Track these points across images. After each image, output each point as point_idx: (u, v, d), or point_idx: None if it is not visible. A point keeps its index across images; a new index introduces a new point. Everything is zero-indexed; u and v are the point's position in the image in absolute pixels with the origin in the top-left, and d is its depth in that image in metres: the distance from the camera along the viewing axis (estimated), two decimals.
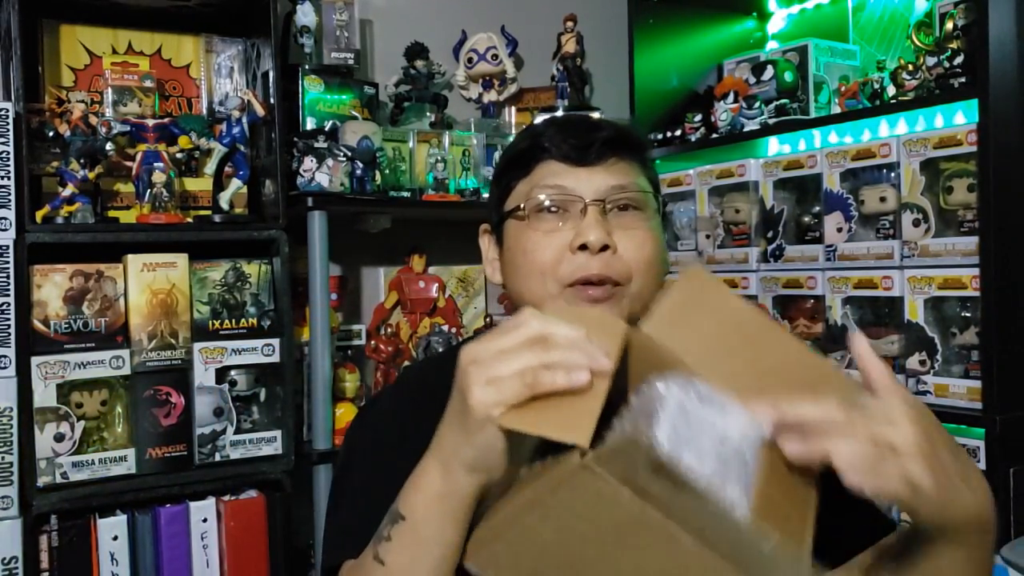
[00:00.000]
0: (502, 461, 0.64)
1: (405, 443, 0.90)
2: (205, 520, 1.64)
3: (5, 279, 1.49)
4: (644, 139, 1.01)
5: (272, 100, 1.75)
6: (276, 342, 1.72)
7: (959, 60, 1.57)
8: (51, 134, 1.59)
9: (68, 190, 1.55)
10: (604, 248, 0.90)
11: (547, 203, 0.93)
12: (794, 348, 0.69)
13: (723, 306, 0.70)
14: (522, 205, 0.94)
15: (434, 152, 1.94)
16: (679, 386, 0.61)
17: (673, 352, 0.67)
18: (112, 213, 1.65)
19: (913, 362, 1.61)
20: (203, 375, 1.65)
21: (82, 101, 1.67)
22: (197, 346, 1.65)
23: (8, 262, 1.49)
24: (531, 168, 0.95)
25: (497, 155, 2.07)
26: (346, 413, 1.82)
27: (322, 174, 1.77)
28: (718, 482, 0.56)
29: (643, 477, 0.57)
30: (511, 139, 2.07)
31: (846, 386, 0.67)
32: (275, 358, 1.72)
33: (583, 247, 0.89)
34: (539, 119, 1.01)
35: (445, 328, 2.08)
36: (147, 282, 1.61)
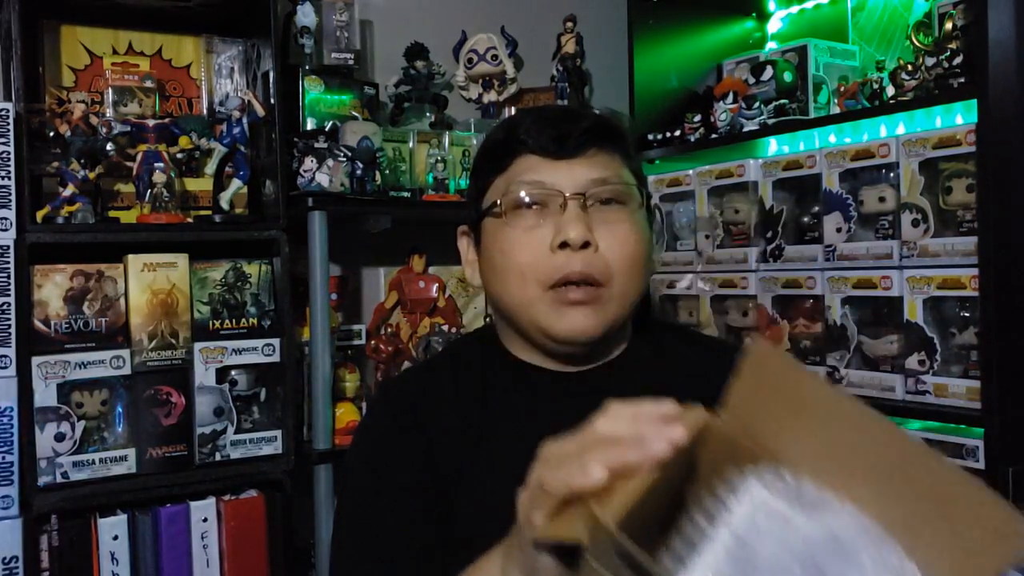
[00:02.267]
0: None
1: (398, 462, 0.91)
2: (205, 520, 1.64)
3: (5, 279, 1.49)
4: (626, 129, 0.98)
5: (272, 100, 1.75)
6: (276, 342, 1.72)
7: (958, 60, 1.57)
8: (51, 134, 1.59)
9: (68, 190, 1.55)
10: (586, 245, 0.86)
11: (525, 199, 0.89)
12: (914, 450, 0.51)
13: (812, 394, 0.53)
14: (499, 201, 0.90)
15: (434, 152, 1.94)
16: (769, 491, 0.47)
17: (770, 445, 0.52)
18: (112, 213, 1.65)
19: (912, 362, 1.61)
20: (203, 375, 1.65)
21: (82, 101, 1.67)
22: (197, 346, 1.65)
23: (8, 262, 1.49)
24: (508, 163, 0.91)
25: None
26: (346, 413, 1.82)
27: (322, 174, 1.77)
28: None
29: None
30: None
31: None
32: (275, 358, 1.72)
33: (564, 245, 0.86)
34: (516, 116, 0.98)
35: (445, 328, 2.08)
36: (147, 282, 1.61)
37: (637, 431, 0.52)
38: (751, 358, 0.55)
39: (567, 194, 0.87)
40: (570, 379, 0.94)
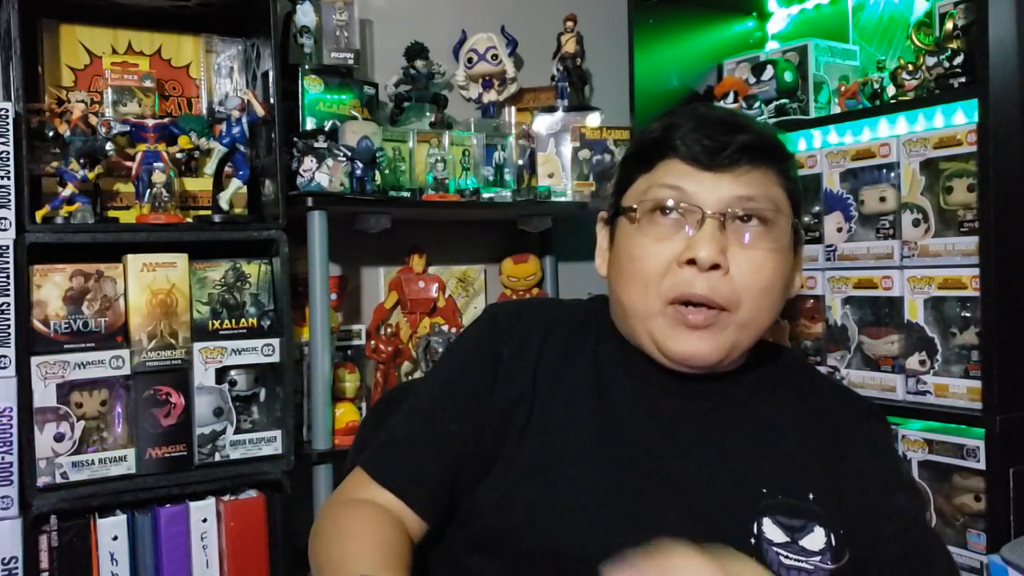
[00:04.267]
0: None
1: (477, 374, 0.93)
2: (205, 520, 1.63)
3: (5, 279, 1.49)
4: (787, 147, 0.91)
5: (272, 100, 1.75)
6: (276, 342, 1.72)
7: (959, 60, 1.57)
8: (51, 134, 1.59)
9: (68, 190, 1.55)
10: (715, 267, 0.82)
11: (663, 207, 0.85)
12: None
13: None
14: (635, 206, 0.87)
15: (434, 152, 1.94)
16: None
17: None
18: (112, 213, 1.65)
19: (913, 362, 1.61)
20: (203, 375, 1.65)
21: (82, 101, 1.66)
22: (197, 346, 1.65)
23: (8, 262, 1.49)
24: (655, 163, 0.87)
25: (497, 155, 2.07)
26: (346, 413, 1.82)
27: (322, 174, 1.77)
28: None
29: None
30: (510, 139, 2.10)
31: None
32: (275, 358, 1.72)
33: (691, 261, 0.83)
34: (676, 114, 0.90)
35: (445, 328, 2.08)
36: (147, 282, 1.61)
37: None
38: None
39: (708, 211, 0.83)
40: (678, 379, 0.91)
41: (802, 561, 0.83)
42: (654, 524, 0.79)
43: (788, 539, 0.85)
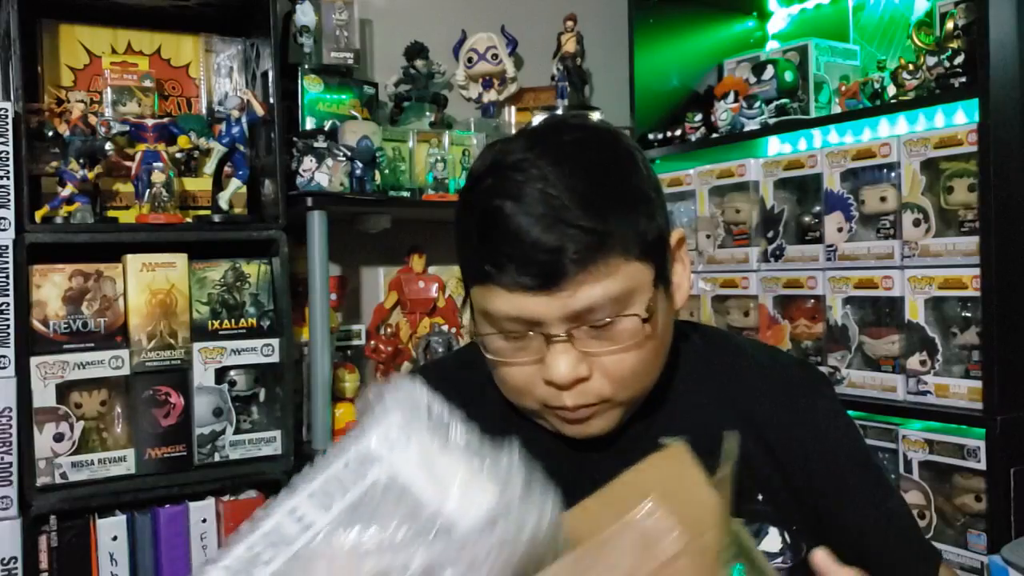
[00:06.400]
0: None
1: None
2: (204, 520, 1.63)
3: (4, 279, 1.49)
4: (628, 199, 0.78)
5: (271, 100, 1.75)
6: (276, 342, 1.71)
7: (959, 60, 1.56)
8: (50, 134, 1.59)
9: (67, 190, 1.55)
10: (577, 381, 0.77)
11: (505, 336, 0.78)
12: None
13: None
14: (480, 332, 0.80)
15: (434, 152, 1.94)
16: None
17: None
18: (111, 213, 1.65)
19: (914, 362, 1.61)
20: (202, 375, 1.65)
21: (81, 101, 1.66)
22: (196, 346, 1.64)
23: (7, 262, 1.49)
24: (486, 280, 0.77)
25: None
26: (346, 413, 1.82)
27: (322, 174, 1.76)
28: None
29: None
30: None
31: None
32: (275, 358, 1.71)
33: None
34: (486, 224, 0.77)
35: (445, 328, 2.08)
36: (146, 282, 1.61)
37: None
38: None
39: (551, 332, 0.76)
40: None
41: None
42: None
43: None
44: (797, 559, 0.84)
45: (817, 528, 0.86)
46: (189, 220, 1.68)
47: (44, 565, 1.51)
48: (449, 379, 0.91)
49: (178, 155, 1.70)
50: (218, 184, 1.72)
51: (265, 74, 1.80)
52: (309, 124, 1.88)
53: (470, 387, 0.89)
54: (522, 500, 0.56)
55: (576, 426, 0.82)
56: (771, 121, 1.95)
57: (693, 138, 2.12)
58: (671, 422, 0.86)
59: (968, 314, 1.56)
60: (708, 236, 2.03)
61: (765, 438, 0.87)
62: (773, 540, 0.84)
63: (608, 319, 0.76)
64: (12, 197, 1.49)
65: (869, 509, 0.88)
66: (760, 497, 0.85)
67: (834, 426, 0.91)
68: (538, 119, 2.14)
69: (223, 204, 1.71)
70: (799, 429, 0.88)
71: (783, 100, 1.95)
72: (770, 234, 1.90)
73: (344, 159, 1.79)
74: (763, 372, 0.92)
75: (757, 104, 1.96)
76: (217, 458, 1.66)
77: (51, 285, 1.54)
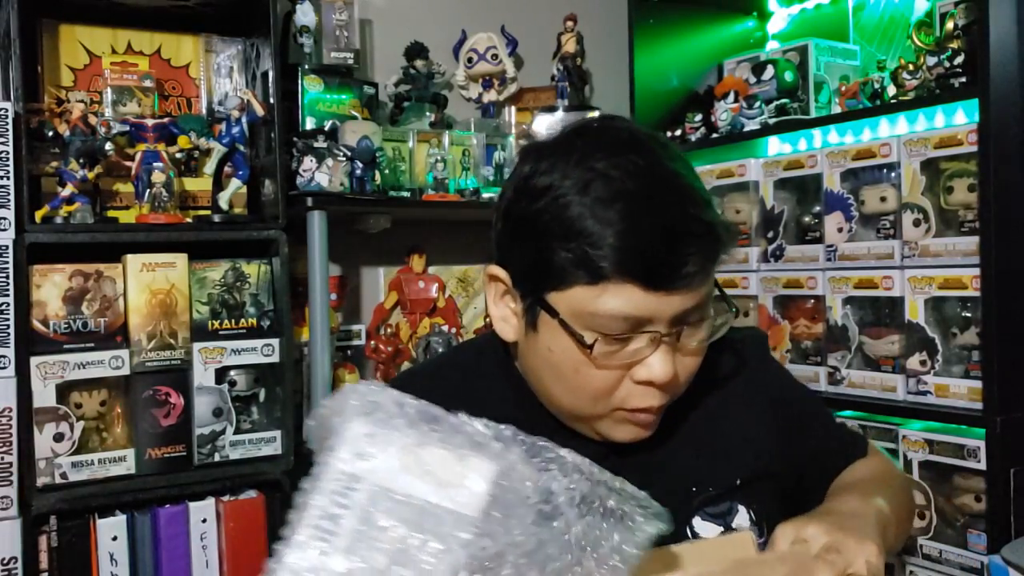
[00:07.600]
0: None
1: None
2: (204, 520, 1.63)
3: (4, 279, 1.49)
4: (731, 229, 0.80)
5: (272, 100, 1.75)
6: (276, 342, 1.71)
7: (959, 60, 1.56)
8: (50, 134, 1.59)
9: (67, 190, 1.55)
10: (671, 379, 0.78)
11: (614, 335, 0.76)
12: None
13: None
14: (584, 336, 0.76)
15: (434, 152, 1.94)
16: None
17: None
18: (111, 213, 1.65)
19: (913, 362, 1.60)
20: (202, 375, 1.65)
21: (81, 101, 1.66)
22: (196, 346, 1.64)
23: (7, 262, 1.49)
24: (598, 279, 0.73)
25: (497, 155, 2.07)
26: None
27: (322, 174, 1.76)
28: None
29: None
30: (510, 139, 2.10)
31: None
32: (275, 358, 1.71)
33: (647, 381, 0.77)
34: (612, 214, 0.74)
35: (445, 328, 2.08)
36: (146, 282, 1.61)
37: None
38: None
39: (662, 332, 0.75)
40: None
41: None
42: None
43: (721, 527, 0.87)
44: (763, 536, 0.88)
45: (793, 491, 0.93)
46: (189, 220, 1.68)
47: (44, 565, 1.51)
48: (434, 380, 0.95)
49: (178, 155, 1.70)
50: (218, 184, 1.72)
51: (265, 74, 1.80)
52: (309, 124, 1.88)
53: (452, 388, 0.90)
54: (523, 462, 0.56)
55: (640, 428, 0.82)
56: (771, 121, 1.95)
57: (693, 138, 2.12)
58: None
59: (968, 314, 1.56)
60: None
61: (743, 409, 0.93)
62: (743, 517, 0.89)
63: (701, 319, 0.78)
64: (12, 197, 1.49)
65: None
66: (738, 482, 0.89)
67: (782, 372, 1.04)
68: (538, 119, 2.15)
69: (223, 204, 1.71)
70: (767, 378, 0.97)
71: (783, 100, 1.95)
72: (770, 234, 1.90)
73: (344, 159, 1.79)
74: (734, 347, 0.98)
75: (757, 104, 1.96)
76: (217, 458, 1.66)
77: (51, 285, 1.54)
